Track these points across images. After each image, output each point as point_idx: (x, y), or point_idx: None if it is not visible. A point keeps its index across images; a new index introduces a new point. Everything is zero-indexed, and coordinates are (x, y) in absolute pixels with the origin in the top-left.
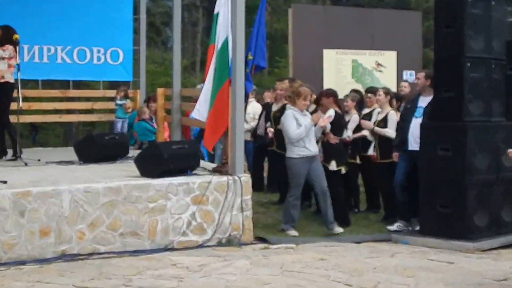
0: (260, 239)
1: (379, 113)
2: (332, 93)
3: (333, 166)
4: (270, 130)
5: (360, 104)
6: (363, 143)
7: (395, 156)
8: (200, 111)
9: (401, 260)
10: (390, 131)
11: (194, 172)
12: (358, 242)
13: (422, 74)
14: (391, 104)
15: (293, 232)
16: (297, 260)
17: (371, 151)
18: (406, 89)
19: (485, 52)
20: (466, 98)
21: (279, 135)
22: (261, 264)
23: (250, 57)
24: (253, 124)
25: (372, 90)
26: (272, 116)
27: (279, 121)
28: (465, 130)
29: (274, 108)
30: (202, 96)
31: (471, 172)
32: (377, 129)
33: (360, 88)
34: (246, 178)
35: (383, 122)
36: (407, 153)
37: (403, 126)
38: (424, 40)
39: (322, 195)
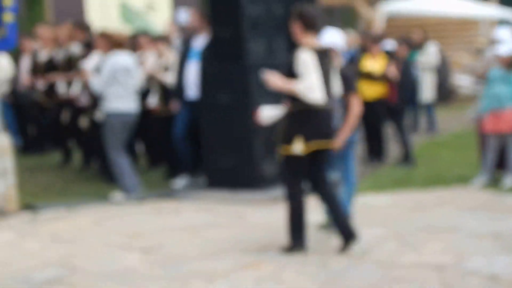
0: (27, 207)
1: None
2: None
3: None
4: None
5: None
6: (144, 93)
7: (175, 106)
8: None
9: (187, 218)
10: (171, 78)
11: None
12: (140, 201)
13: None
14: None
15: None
16: (69, 227)
17: (153, 103)
18: None
19: None
20: (246, 37)
21: None
22: (29, 235)
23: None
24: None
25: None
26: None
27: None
28: (246, 73)
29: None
30: None
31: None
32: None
33: None
34: (3, 138)
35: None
36: (185, 102)
37: (179, 72)
38: None
39: None
